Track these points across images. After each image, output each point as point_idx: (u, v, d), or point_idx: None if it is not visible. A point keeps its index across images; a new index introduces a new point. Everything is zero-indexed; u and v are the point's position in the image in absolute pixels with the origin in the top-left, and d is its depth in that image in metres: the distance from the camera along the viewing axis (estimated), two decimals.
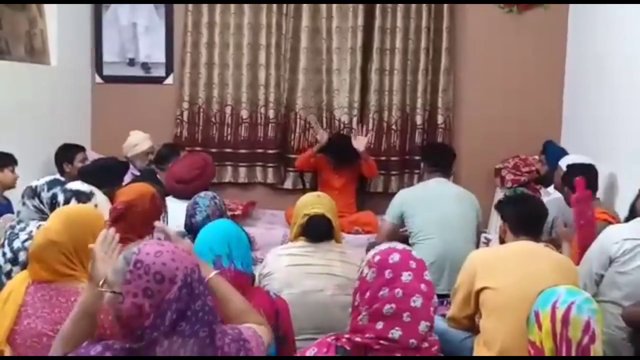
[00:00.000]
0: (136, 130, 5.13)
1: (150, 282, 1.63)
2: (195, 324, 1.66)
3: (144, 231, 2.91)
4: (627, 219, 3.32)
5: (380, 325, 1.87)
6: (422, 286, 1.92)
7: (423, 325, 1.88)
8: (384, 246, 2.03)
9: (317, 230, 3.03)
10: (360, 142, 5.17)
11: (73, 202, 2.99)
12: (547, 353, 1.96)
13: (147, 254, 1.66)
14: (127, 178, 4.50)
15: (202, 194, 3.34)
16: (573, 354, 1.92)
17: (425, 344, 1.89)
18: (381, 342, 1.85)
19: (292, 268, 2.96)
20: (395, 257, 1.95)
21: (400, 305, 1.87)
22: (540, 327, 1.99)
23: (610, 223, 3.48)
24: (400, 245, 2.03)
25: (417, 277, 1.92)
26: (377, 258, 1.97)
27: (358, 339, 1.88)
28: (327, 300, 2.91)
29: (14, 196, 3.94)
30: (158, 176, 4.83)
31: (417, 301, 1.89)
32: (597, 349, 1.94)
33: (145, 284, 1.63)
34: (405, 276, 1.91)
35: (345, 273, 2.93)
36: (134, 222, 2.85)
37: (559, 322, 1.95)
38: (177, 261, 1.68)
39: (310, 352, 1.93)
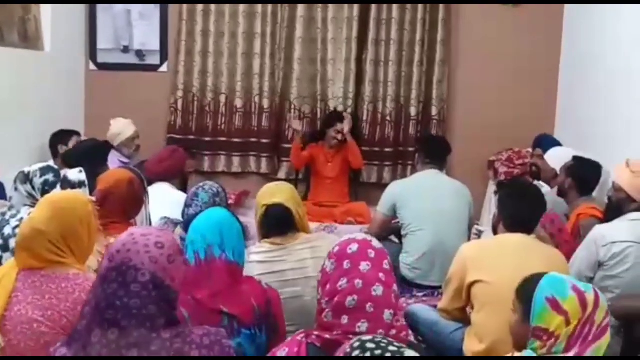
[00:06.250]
0: (118, 117, 5.06)
1: None
2: None
3: (124, 216, 2.97)
4: (606, 211, 3.31)
5: (345, 319, 1.86)
6: (381, 275, 1.90)
7: (387, 314, 1.87)
8: (345, 237, 2.02)
9: (276, 221, 2.91)
10: (345, 122, 5.23)
11: (58, 188, 2.98)
12: (562, 338, 1.97)
13: None
14: (115, 166, 4.46)
15: (207, 187, 3.22)
16: (591, 336, 1.97)
17: (393, 332, 1.88)
18: (350, 336, 1.84)
19: (266, 277, 2.77)
20: (353, 247, 1.94)
21: (362, 297, 1.86)
22: (559, 312, 1.98)
23: (597, 218, 3.47)
24: (360, 236, 2.01)
25: (375, 267, 1.91)
26: (337, 249, 1.97)
27: (327, 336, 1.86)
28: (307, 304, 2.75)
29: (7, 182, 3.92)
30: None
31: (377, 290, 1.87)
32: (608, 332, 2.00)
33: None
34: (364, 266, 1.90)
35: (319, 270, 2.85)
36: (113, 208, 2.92)
37: (590, 304, 1.98)
38: None
39: (281, 352, 1.89)
